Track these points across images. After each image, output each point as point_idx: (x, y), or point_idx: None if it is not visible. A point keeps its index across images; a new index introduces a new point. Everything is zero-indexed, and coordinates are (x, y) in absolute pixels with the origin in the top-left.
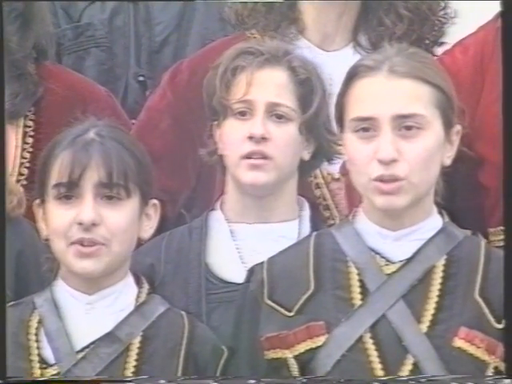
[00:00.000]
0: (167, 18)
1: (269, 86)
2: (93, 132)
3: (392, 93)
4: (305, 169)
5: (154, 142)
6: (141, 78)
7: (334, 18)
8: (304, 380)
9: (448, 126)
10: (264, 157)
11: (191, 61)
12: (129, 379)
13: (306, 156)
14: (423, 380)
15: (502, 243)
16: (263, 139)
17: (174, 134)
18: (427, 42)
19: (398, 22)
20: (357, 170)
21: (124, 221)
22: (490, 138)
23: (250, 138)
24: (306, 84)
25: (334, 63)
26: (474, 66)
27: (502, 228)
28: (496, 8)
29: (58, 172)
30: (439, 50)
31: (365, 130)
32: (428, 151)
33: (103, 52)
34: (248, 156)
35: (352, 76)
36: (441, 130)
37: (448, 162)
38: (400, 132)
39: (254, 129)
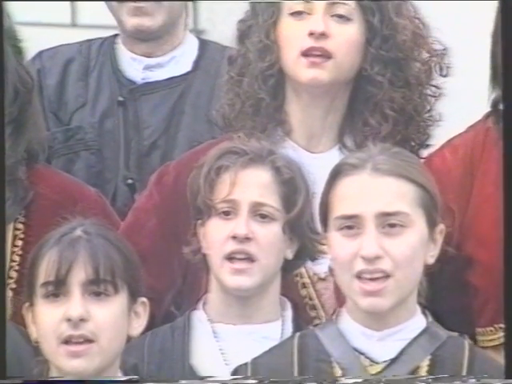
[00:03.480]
0: (155, 122)
1: (252, 185)
2: (79, 230)
3: (376, 191)
4: (288, 268)
5: (140, 241)
6: (129, 181)
7: (320, 118)
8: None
9: (432, 224)
10: (248, 257)
11: (178, 162)
12: (130, 379)
13: (290, 255)
14: (424, 379)
15: (491, 343)
16: (247, 239)
17: (161, 234)
18: (412, 143)
19: (384, 121)
20: (341, 268)
21: (112, 317)
22: (480, 237)
23: (234, 237)
24: (290, 184)
25: (320, 165)
26: (464, 167)
27: (491, 329)
28: (485, 108)
29: (45, 271)
30: (425, 153)
31: (349, 227)
32: (412, 249)
33: (93, 155)
34: (231, 256)
35: (336, 174)
36: (424, 228)
37: (431, 261)
38: (384, 230)
39: (238, 229)
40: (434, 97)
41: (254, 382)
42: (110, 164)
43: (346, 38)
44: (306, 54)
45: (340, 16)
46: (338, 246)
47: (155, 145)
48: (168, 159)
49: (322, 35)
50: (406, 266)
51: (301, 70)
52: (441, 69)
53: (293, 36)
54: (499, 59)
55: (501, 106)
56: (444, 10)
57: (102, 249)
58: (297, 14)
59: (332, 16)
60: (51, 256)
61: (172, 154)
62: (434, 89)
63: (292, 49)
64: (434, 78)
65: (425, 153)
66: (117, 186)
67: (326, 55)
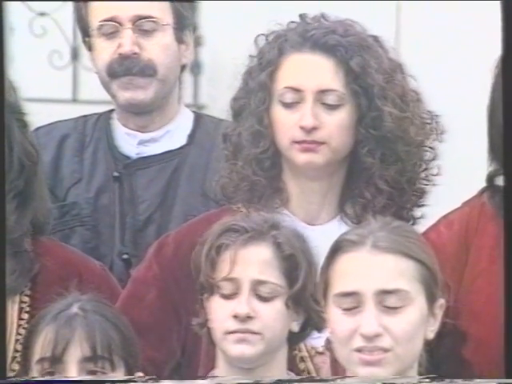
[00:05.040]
0: (150, 196)
1: (253, 263)
2: (76, 307)
3: (376, 268)
4: (294, 340)
5: (139, 313)
6: (125, 256)
7: (319, 198)
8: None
9: (431, 300)
10: (251, 333)
11: (177, 233)
12: (131, 379)
13: (296, 328)
14: (427, 380)
15: None
16: (248, 318)
17: (160, 306)
18: (408, 205)
19: (378, 194)
20: (339, 343)
21: None
22: (473, 313)
23: (235, 316)
24: (291, 260)
25: (318, 237)
26: (459, 241)
27: None
28: (481, 183)
29: (41, 347)
30: (418, 213)
31: (348, 304)
32: (412, 326)
33: (88, 230)
34: (233, 333)
35: (336, 250)
36: (424, 304)
37: (431, 335)
38: (383, 307)
39: (239, 308)
40: (429, 161)
41: (249, 381)
42: (105, 239)
43: (338, 125)
44: (298, 143)
45: (330, 104)
46: (337, 322)
47: (150, 219)
48: (163, 233)
49: (313, 129)
50: (406, 342)
51: (295, 155)
52: (435, 138)
53: (284, 126)
54: (496, 137)
55: (496, 182)
56: (438, 76)
57: (99, 326)
58: (286, 103)
59: (322, 104)
60: (47, 333)
61: (167, 228)
62: (428, 151)
63: (284, 137)
64: (428, 143)
65: (418, 213)
66: (112, 261)
67: (319, 143)
